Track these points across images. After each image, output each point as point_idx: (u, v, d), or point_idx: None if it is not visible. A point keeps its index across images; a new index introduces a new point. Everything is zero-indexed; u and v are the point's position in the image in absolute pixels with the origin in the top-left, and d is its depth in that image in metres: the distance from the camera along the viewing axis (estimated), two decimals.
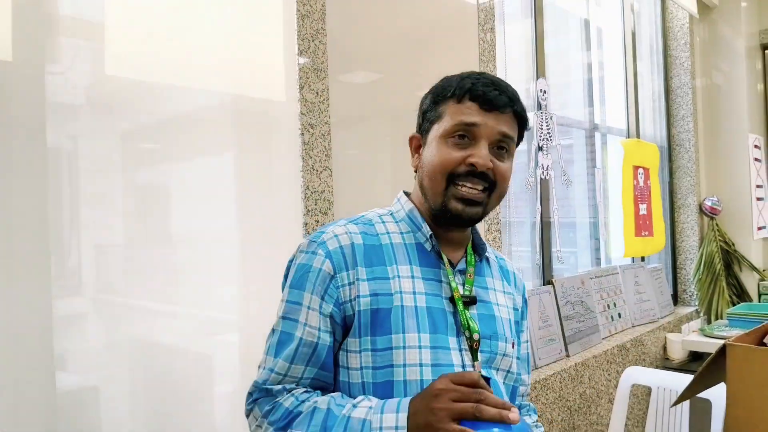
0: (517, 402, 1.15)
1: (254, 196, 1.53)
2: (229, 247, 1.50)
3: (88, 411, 1.25)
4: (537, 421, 1.20)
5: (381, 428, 0.82)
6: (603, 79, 3.36)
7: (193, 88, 1.41)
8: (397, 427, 0.82)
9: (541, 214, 2.68)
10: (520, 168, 2.66)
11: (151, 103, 1.35)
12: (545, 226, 2.73)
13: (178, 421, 1.38)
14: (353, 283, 0.95)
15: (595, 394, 2.65)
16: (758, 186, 3.89)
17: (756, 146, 3.93)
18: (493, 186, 0.99)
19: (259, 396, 0.96)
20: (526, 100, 2.70)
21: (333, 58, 1.64)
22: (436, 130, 1.00)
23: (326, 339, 0.94)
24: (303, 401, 0.92)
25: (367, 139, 1.76)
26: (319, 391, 0.96)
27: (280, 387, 0.94)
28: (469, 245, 1.08)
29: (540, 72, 2.73)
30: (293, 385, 0.95)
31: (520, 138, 1.06)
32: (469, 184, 0.96)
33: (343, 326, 0.96)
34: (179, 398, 1.39)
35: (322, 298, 0.95)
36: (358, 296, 0.94)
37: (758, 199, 3.88)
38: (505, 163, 1.00)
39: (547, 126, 2.65)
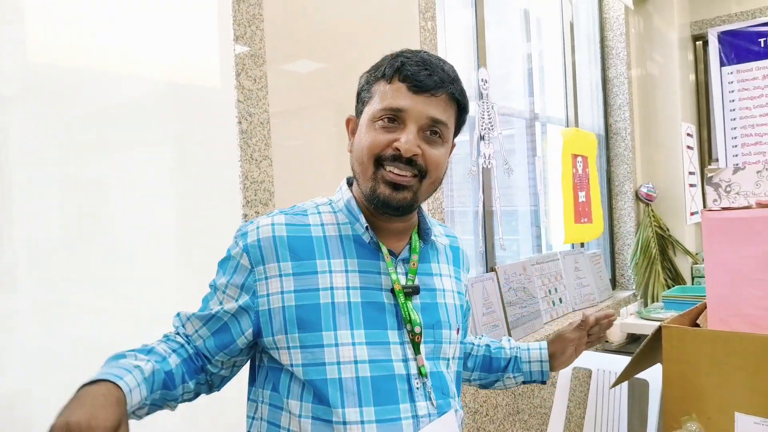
0: (469, 344, 1.24)
1: (192, 187, 1.48)
2: (168, 240, 1.45)
3: (19, 414, 1.19)
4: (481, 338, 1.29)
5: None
6: (543, 69, 3.41)
7: (124, 75, 1.34)
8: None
9: (483, 203, 2.70)
10: (463, 158, 2.67)
11: (80, 92, 1.28)
12: (488, 215, 2.76)
13: None
14: (272, 277, 0.93)
15: None
16: (691, 173, 4.05)
17: (688, 134, 4.08)
18: (424, 173, 0.95)
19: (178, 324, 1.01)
20: (468, 89, 2.71)
21: (272, 45, 1.59)
22: (367, 112, 0.96)
23: (235, 325, 0.95)
24: (146, 351, 0.92)
25: (309, 128, 1.72)
26: (179, 348, 0.96)
27: (179, 325, 0.99)
28: (415, 231, 1.05)
29: (481, 61, 2.75)
30: (185, 334, 0.99)
31: (460, 122, 1.02)
32: (396, 170, 0.93)
33: (258, 320, 0.93)
34: None
35: (240, 289, 0.95)
36: (282, 292, 0.92)
37: (691, 185, 4.03)
38: (437, 150, 0.96)
39: (488, 115, 2.67)
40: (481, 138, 2.64)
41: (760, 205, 1.50)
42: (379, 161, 0.94)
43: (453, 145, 1.05)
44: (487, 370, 1.18)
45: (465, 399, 2.25)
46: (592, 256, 3.52)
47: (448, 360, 1.02)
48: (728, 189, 1.64)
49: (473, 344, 1.25)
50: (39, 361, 1.22)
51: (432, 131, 0.95)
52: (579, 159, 3.38)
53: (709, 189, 1.66)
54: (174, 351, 0.94)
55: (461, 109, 1.00)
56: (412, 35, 2.14)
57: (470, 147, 2.67)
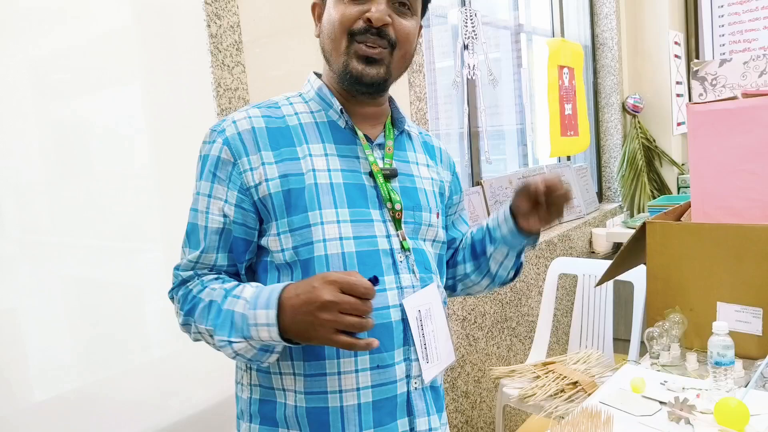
0: (466, 235, 1.19)
1: (161, 97, 1.42)
2: (145, 161, 1.41)
3: (9, 333, 1.19)
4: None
5: (256, 325, 0.83)
6: None
7: None
8: (268, 324, 0.83)
9: (469, 116, 2.66)
10: (447, 69, 2.61)
11: (45, 7, 1.21)
12: (473, 134, 2.72)
13: (111, 342, 1.34)
14: (257, 167, 0.92)
15: (525, 287, 2.74)
16: (678, 82, 3.99)
17: (676, 43, 3.99)
18: (394, 44, 0.93)
19: (176, 284, 0.97)
20: None
21: None
22: None
23: (231, 226, 0.93)
24: (205, 288, 0.92)
25: (286, 48, 1.65)
26: (226, 278, 0.96)
27: (191, 273, 0.95)
28: (389, 120, 1.04)
29: None
30: (205, 271, 0.95)
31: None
32: (368, 42, 0.91)
33: (255, 211, 0.93)
34: (110, 319, 1.34)
35: (227, 186, 0.92)
36: (266, 180, 0.91)
37: (678, 95, 3.99)
38: (407, 21, 0.95)
39: (472, 23, 2.58)
40: (465, 47, 2.57)
41: (747, 95, 1.47)
42: (351, 36, 0.92)
43: (421, 27, 1.04)
44: (475, 256, 1.15)
45: (453, 306, 2.29)
46: (579, 169, 3.51)
47: (431, 241, 1.04)
48: (714, 82, 1.61)
49: (462, 238, 1.23)
50: (28, 300, 1.21)
51: (401, 2, 0.94)
52: (565, 70, 3.31)
53: (695, 83, 1.63)
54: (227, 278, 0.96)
55: None
56: None
57: (453, 56, 2.59)
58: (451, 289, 1.21)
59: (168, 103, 1.43)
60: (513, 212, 1.06)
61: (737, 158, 1.45)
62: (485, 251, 1.12)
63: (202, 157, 0.96)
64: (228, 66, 1.47)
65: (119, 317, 1.37)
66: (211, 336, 0.89)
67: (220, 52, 1.46)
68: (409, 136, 1.09)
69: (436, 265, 1.05)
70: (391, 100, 1.07)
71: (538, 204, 1.01)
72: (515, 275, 1.19)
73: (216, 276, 0.95)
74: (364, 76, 0.93)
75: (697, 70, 1.58)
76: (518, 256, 1.14)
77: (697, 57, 4.21)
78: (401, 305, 0.94)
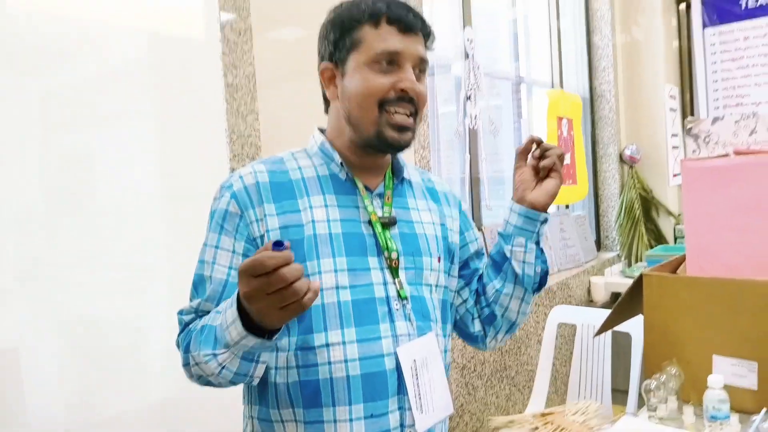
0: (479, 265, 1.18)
1: (177, 143, 1.48)
2: (154, 199, 1.45)
3: (8, 373, 1.20)
4: None
5: (227, 327, 0.84)
6: (528, 33, 3.41)
7: (110, 31, 1.33)
8: (234, 321, 0.83)
9: (471, 165, 2.72)
10: (450, 119, 2.69)
11: (67, 55, 1.27)
12: (474, 182, 2.78)
13: (110, 383, 1.35)
14: (261, 219, 0.96)
15: (525, 335, 2.76)
16: (674, 135, 4.08)
17: (671, 96, 4.10)
18: (417, 110, 1.00)
19: (180, 329, 1.00)
20: (454, 49, 2.71)
21: (258, 9, 1.58)
22: (357, 58, 0.98)
23: (236, 278, 0.93)
24: (202, 320, 0.95)
25: (297, 91, 1.72)
26: None
27: (194, 315, 0.98)
28: (389, 170, 1.09)
29: (467, 21, 2.74)
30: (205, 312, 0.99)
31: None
32: (400, 110, 0.97)
33: None
34: (111, 359, 1.35)
35: (234, 238, 0.97)
36: (268, 231, 0.96)
37: (674, 147, 4.07)
38: (424, 87, 1.01)
39: (474, 76, 2.67)
40: (468, 98, 2.65)
41: (738, 153, 1.53)
42: (382, 104, 0.97)
43: None
44: (498, 268, 1.12)
45: (453, 354, 2.30)
46: (577, 217, 3.57)
47: (431, 286, 1.06)
48: (707, 139, 1.67)
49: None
50: (27, 339, 1.23)
51: (420, 69, 1.00)
52: (564, 121, 3.40)
53: (689, 140, 1.69)
54: None
55: (426, 46, 1.05)
56: None
57: (456, 107, 2.68)
58: (489, 321, 1.16)
59: (181, 145, 1.48)
60: (516, 200, 1.09)
61: (730, 214, 1.50)
62: (505, 256, 1.10)
63: (211, 212, 1.01)
64: (242, 114, 1.53)
65: (119, 357, 1.38)
66: (203, 361, 0.89)
67: (235, 100, 1.52)
68: (410, 183, 1.12)
69: (440, 313, 1.08)
70: None
71: (538, 171, 1.07)
72: (543, 275, 1.13)
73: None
74: (400, 142, 0.99)
75: (690, 128, 1.65)
76: (537, 244, 1.11)
77: (692, 110, 4.32)
78: (395, 353, 0.97)
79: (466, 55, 2.66)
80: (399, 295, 0.99)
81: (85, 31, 1.30)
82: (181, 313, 1.00)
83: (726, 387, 1.24)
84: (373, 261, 0.99)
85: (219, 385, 0.94)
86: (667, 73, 4.06)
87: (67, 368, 1.30)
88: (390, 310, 0.98)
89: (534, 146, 1.09)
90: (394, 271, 1.00)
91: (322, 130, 1.09)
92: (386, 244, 1.00)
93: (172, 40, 1.45)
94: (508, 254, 1.10)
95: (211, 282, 0.97)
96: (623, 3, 4.07)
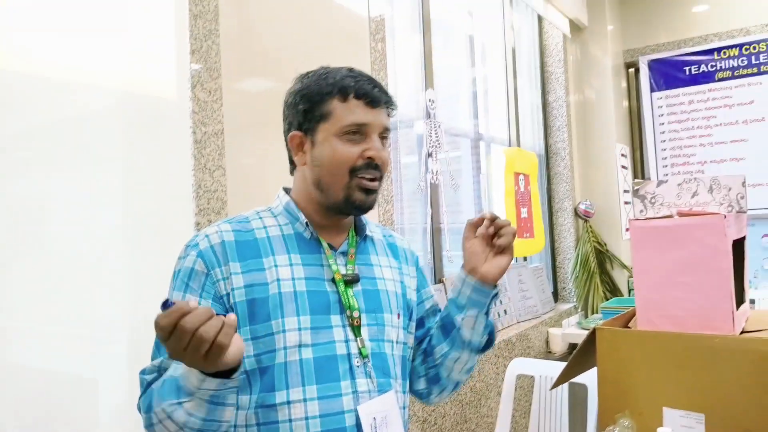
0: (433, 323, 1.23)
1: (143, 197, 1.49)
2: (116, 252, 1.44)
3: None
4: None
5: (187, 374, 0.85)
6: (487, 92, 3.56)
7: (79, 84, 1.36)
8: (190, 368, 0.84)
9: (432, 218, 2.80)
10: (413, 174, 2.77)
11: (29, 102, 1.29)
12: (436, 232, 2.85)
13: None
14: (227, 277, 0.99)
15: (485, 387, 2.78)
16: (625, 191, 4.27)
17: (623, 155, 4.31)
18: (382, 174, 1.07)
19: (142, 389, 0.99)
20: (416, 109, 2.82)
21: (227, 60, 1.64)
22: (328, 129, 1.05)
23: None
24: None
25: (262, 140, 1.77)
26: None
27: (156, 374, 0.97)
28: (352, 228, 1.15)
29: (429, 83, 2.86)
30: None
31: None
32: (368, 176, 1.04)
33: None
34: (60, 413, 1.32)
35: (200, 296, 0.99)
36: (233, 289, 0.98)
37: (626, 203, 4.25)
38: (386, 152, 1.09)
39: (436, 134, 2.78)
40: (429, 155, 2.74)
41: (681, 215, 1.63)
42: (352, 171, 1.04)
43: None
44: (447, 332, 1.16)
45: (413, 407, 2.31)
46: (535, 269, 3.66)
47: (392, 342, 1.10)
48: (653, 200, 1.77)
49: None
50: None
51: (383, 137, 1.08)
52: (521, 177, 3.53)
53: (636, 200, 1.79)
54: None
55: (388, 114, 1.13)
56: (363, 56, 2.23)
57: (419, 163, 2.76)
58: (434, 381, 1.20)
59: (147, 198, 1.50)
60: (468, 271, 1.13)
61: (675, 271, 1.58)
62: (454, 323, 1.14)
63: (176, 272, 1.03)
64: (209, 169, 1.57)
65: (69, 412, 1.34)
66: (169, 413, 0.88)
67: (203, 156, 1.55)
68: (372, 240, 1.18)
69: (399, 369, 1.11)
70: None
71: (489, 244, 1.12)
72: (489, 342, 1.19)
73: None
74: (366, 204, 1.06)
75: (637, 189, 1.75)
76: (487, 315, 1.15)
77: (642, 168, 4.54)
78: (356, 411, 0.99)
79: (428, 115, 2.77)
80: (360, 353, 1.03)
81: (55, 81, 1.33)
82: (143, 372, 0.99)
83: None
84: (335, 319, 1.02)
85: None
86: (619, 132, 4.27)
87: (12, 421, 1.25)
88: (351, 367, 1.01)
89: (487, 222, 1.13)
90: (356, 329, 1.04)
91: (287, 190, 1.14)
92: (348, 302, 1.04)
93: (143, 96, 1.49)
94: (458, 323, 1.14)
95: None
96: (576, 65, 4.30)
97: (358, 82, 1.05)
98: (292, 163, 1.13)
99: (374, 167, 1.05)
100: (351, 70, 1.08)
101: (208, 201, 1.56)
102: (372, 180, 1.05)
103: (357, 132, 1.04)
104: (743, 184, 1.64)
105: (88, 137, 1.38)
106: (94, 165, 1.40)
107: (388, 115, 1.10)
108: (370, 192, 1.06)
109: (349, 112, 1.04)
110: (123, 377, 1.42)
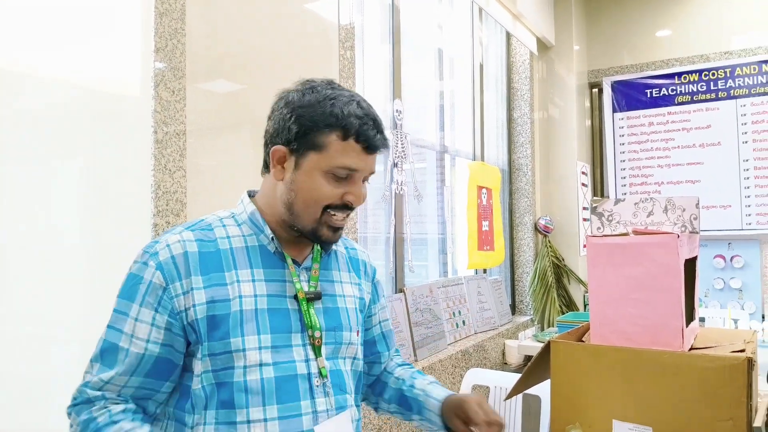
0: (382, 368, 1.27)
1: (101, 195, 1.47)
2: (72, 253, 1.41)
3: None
4: (397, 356, 1.34)
5: None
6: (454, 106, 3.60)
7: (39, 78, 1.33)
8: None
9: (395, 228, 2.81)
10: (378, 184, 2.78)
11: None
12: (398, 241, 2.86)
13: None
14: (188, 292, 0.96)
15: None
16: (584, 208, 4.36)
17: (583, 173, 4.41)
18: (352, 210, 1.06)
19: (80, 401, 0.96)
20: (383, 119, 2.82)
21: (193, 61, 1.62)
22: (316, 161, 1.00)
23: (154, 350, 0.95)
24: (111, 425, 0.92)
25: (225, 144, 1.76)
26: (131, 411, 0.96)
27: (99, 394, 0.95)
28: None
29: (396, 94, 2.88)
30: (114, 395, 0.96)
31: None
32: (341, 215, 1.03)
33: (183, 335, 0.97)
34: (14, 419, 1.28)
35: (156, 310, 0.96)
36: (194, 305, 0.96)
37: (585, 219, 4.34)
38: (365, 190, 1.08)
39: (402, 144, 2.79)
40: (395, 165, 2.75)
41: (636, 233, 1.68)
42: (326, 208, 1.02)
43: None
44: (406, 408, 1.22)
45: (370, 416, 2.30)
46: (494, 282, 3.71)
47: (346, 359, 1.10)
48: (610, 218, 1.82)
49: (390, 373, 1.29)
50: None
51: (366, 179, 1.07)
52: (484, 191, 3.57)
53: (593, 218, 1.83)
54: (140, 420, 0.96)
55: None
56: (332, 63, 2.23)
57: (384, 173, 2.77)
58: (376, 409, 1.30)
59: (104, 197, 1.47)
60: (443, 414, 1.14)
61: (628, 287, 1.63)
62: (411, 412, 1.21)
63: (131, 275, 0.98)
64: (170, 170, 1.54)
65: (21, 413, 1.31)
66: None
67: (164, 156, 1.53)
68: (336, 254, 1.17)
69: (353, 384, 1.11)
70: None
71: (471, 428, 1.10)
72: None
73: (123, 408, 0.95)
74: (332, 239, 1.05)
75: (596, 206, 1.79)
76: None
77: (603, 186, 4.64)
78: (313, 431, 0.99)
79: (395, 125, 2.79)
80: (320, 374, 1.02)
81: (15, 74, 1.30)
82: (86, 385, 0.96)
83: None
84: (296, 338, 1.02)
85: None
86: (580, 151, 4.37)
87: None
88: (311, 387, 1.01)
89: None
90: (317, 350, 1.03)
91: (251, 194, 1.11)
92: (310, 321, 1.03)
93: (105, 93, 1.47)
94: (413, 417, 1.22)
95: (127, 355, 0.95)
96: (542, 83, 4.39)
97: (363, 124, 0.99)
98: (266, 166, 1.07)
99: (350, 208, 1.04)
100: (360, 104, 1.01)
101: (167, 203, 1.54)
102: (343, 219, 1.04)
103: (345, 175, 1.01)
104: (697, 205, 1.69)
105: (46, 132, 1.35)
106: (50, 161, 1.37)
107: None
108: (338, 230, 1.05)
109: (344, 153, 0.99)
110: (76, 377, 1.38)
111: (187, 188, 1.60)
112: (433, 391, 1.19)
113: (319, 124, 0.99)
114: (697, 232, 1.72)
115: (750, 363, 1.44)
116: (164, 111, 1.53)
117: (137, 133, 1.51)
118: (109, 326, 0.97)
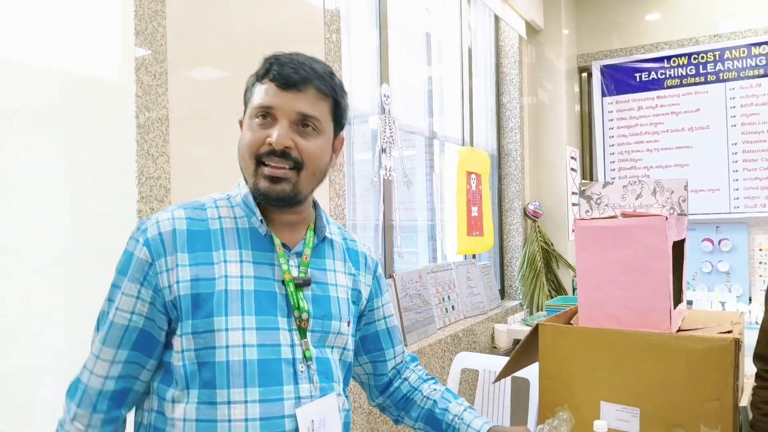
0: (393, 367, 1.26)
1: (84, 181, 1.44)
2: (54, 240, 1.39)
3: None
4: (417, 366, 1.31)
5: None
6: (442, 91, 3.58)
7: (17, 62, 1.30)
8: None
9: (384, 214, 2.80)
10: (367, 170, 2.76)
11: None
12: (387, 228, 2.85)
13: None
14: (172, 269, 0.95)
15: None
16: (573, 193, 4.37)
17: (572, 158, 4.41)
18: (300, 165, 0.99)
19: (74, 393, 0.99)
20: (371, 104, 2.80)
21: (174, 44, 1.59)
22: (246, 115, 1.02)
23: (138, 322, 0.96)
24: None
25: (209, 128, 1.73)
26: None
27: (83, 411, 0.98)
28: (311, 227, 1.10)
29: (384, 78, 2.85)
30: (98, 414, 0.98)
31: (338, 115, 1.06)
32: (272, 163, 0.97)
33: (165, 312, 0.96)
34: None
35: (141, 284, 0.96)
36: (178, 282, 0.95)
37: (573, 204, 4.35)
38: (311, 141, 1.00)
39: (390, 129, 2.77)
40: (383, 151, 2.74)
41: (625, 216, 1.67)
42: (259, 159, 0.98)
43: (341, 139, 1.11)
44: (435, 427, 1.21)
45: (360, 400, 2.30)
46: (483, 267, 3.71)
47: (334, 348, 1.07)
48: (599, 201, 1.82)
49: (416, 389, 1.27)
50: None
51: (304, 124, 0.99)
52: (473, 176, 3.56)
53: (582, 201, 1.83)
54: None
55: (335, 102, 1.04)
56: (317, 46, 2.20)
57: (372, 159, 2.76)
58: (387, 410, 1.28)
59: (87, 184, 1.45)
60: None
61: (617, 270, 1.62)
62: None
63: (125, 251, 0.99)
64: (153, 156, 1.52)
65: (5, 405, 1.30)
66: None
67: (146, 142, 1.51)
68: (332, 243, 1.13)
69: (341, 373, 1.09)
70: (317, 206, 1.13)
71: None
72: None
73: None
74: (271, 192, 0.98)
75: (584, 189, 1.78)
76: None
77: (591, 171, 4.65)
78: (296, 415, 0.97)
79: (383, 110, 2.76)
80: (305, 357, 1.00)
81: None
82: (71, 396, 0.99)
83: (611, 431, 1.33)
84: (282, 321, 0.99)
85: None
86: (569, 135, 4.37)
87: None
88: (295, 372, 0.99)
89: None
90: (303, 332, 1.01)
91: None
92: (297, 303, 1.01)
93: (85, 78, 1.44)
94: None
95: (111, 326, 0.96)
96: (531, 68, 4.37)
97: (277, 63, 0.98)
98: None
99: (280, 155, 0.97)
100: (292, 53, 1.02)
101: (151, 188, 1.52)
102: (279, 168, 0.97)
103: (265, 116, 0.98)
104: (685, 187, 1.69)
105: (26, 117, 1.33)
106: (31, 147, 1.34)
107: (336, 102, 1.04)
108: (276, 180, 0.98)
109: (259, 95, 0.98)
110: (60, 367, 1.37)
111: (171, 174, 1.58)
112: (473, 422, 1.19)
113: (251, 79, 1.02)
114: (685, 215, 1.72)
115: (737, 344, 1.44)
116: (146, 95, 1.50)
117: (119, 118, 1.48)
118: (107, 299, 0.99)
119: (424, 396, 1.24)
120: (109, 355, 0.96)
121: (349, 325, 1.10)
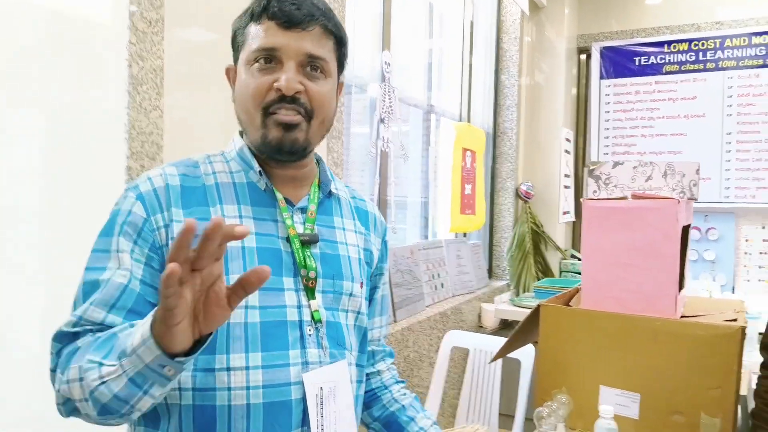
0: (369, 348, 1.13)
1: (68, 134, 1.33)
2: (34, 198, 1.28)
3: None
4: (392, 364, 1.22)
5: (133, 333, 0.73)
6: (442, 64, 3.49)
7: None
8: (144, 323, 0.71)
9: (380, 188, 2.72)
10: (363, 142, 2.68)
11: None
12: (382, 203, 2.78)
13: None
14: (167, 225, 0.87)
15: (417, 357, 2.76)
16: (566, 175, 4.33)
17: (567, 139, 4.36)
18: (311, 113, 0.91)
19: (61, 346, 0.83)
20: (371, 71, 2.71)
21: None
22: (242, 60, 0.92)
23: (136, 286, 0.84)
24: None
25: (208, 81, 1.63)
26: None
27: (80, 329, 0.82)
28: (315, 182, 1.02)
29: (386, 44, 2.76)
30: (97, 327, 0.83)
31: (341, 56, 0.98)
32: (282, 111, 0.89)
33: (161, 272, 0.86)
34: None
35: (135, 242, 0.86)
36: (172, 238, 0.85)
37: (565, 187, 4.31)
38: (320, 86, 0.92)
39: (389, 99, 2.69)
40: (381, 121, 2.65)
41: (635, 197, 1.62)
42: (265, 108, 0.90)
43: (341, 85, 1.02)
44: (386, 426, 1.14)
45: None
46: (473, 246, 3.67)
47: (348, 312, 0.99)
48: (607, 182, 1.76)
49: (386, 388, 1.18)
50: None
51: (312, 66, 0.91)
52: (468, 153, 3.50)
53: (590, 181, 1.77)
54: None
55: (339, 42, 0.96)
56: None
57: (370, 129, 2.67)
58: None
59: (73, 136, 1.34)
60: None
61: (624, 252, 1.58)
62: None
63: (110, 213, 0.89)
64: (145, 109, 1.43)
65: None
66: (84, 369, 0.75)
67: (139, 94, 1.41)
68: (338, 199, 1.06)
69: (356, 340, 1.01)
70: (319, 161, 1.05)
71: None
72: None
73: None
74: (284, 142, 0.90)
75: (593, 169, 1.72)
76: None
77: (584, 154, 4.61)
78: (303, 382, 0.89)
79: (383, 78, 2.67)
80: (313, 319, 0.92)
81: None
82: (55, 338, 0.84)
83: None
84: (288, 281, 0.91)
85: (86, 416, 0.79)
86: (565, 117, 4.31)
87: None
88: (302, 335, 0.90)
89: None
90: (310, 292, 0.93)
91: (242, 134, 1.00)
92: (304, 261, 0.93)
93: (74, 20, 1.32)
94: None
95: (106, 286, 0.83)
96: (531, 46, 4.29)
97: (277, 0, 0.89)
98: None
99: (290, 101, 0.88)
100: None
101: (142, 144, 1.43)
102: (290, 113, 0.89)
103: (268, 59, 0.89)
104: (697, 171, 1.64)
105: (5, 61, 1.22)
106: (9, 94, 1.23)
107: (339, 41, 0.95)
108: (290, 127, 0.89)
109: (259, 35, 0.89)
110: (37, 328, 1.28)
111: (164, 130, 1.48)
112: None
113: (241, 21, 0.93)
114: (695, 198, 1.67)
115: (743, 332, 1.41)
116: (140, 43, 1.41)
117: (110, 67, 1.38)
118: (86, 268, 0.86)
119: (393, 398, 1.15)
120: (97, 317, 0.83)
121: (362, 286, 1.02)
